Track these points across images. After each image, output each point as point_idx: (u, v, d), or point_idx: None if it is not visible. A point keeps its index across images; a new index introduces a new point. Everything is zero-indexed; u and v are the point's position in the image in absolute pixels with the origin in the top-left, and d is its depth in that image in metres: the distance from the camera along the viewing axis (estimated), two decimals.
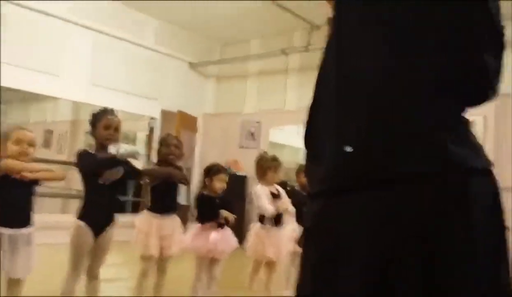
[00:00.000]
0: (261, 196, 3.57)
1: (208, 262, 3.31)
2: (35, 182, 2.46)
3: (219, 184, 3.37)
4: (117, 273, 3.56)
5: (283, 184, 3.84)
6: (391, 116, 0.84)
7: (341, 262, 0.83)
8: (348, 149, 0.84)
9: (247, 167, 7.83)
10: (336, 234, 0.84)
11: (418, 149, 0.82)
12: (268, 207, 3.53)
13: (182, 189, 7.76)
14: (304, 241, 0.93)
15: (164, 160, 3.21)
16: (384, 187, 0.81)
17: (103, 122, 2.73)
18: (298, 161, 7.75)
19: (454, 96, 0.86)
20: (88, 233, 2.64)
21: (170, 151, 3.19)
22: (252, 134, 8.39)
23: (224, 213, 3.26)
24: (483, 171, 0.84)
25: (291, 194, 3.79)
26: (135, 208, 7.88)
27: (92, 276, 2.75)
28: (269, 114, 8.11)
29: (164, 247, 3.08)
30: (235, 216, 3.34)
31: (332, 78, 0.90)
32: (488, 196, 0.82)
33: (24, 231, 2.35)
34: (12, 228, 2.31)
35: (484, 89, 0.89)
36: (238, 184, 7.21)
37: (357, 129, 0.85)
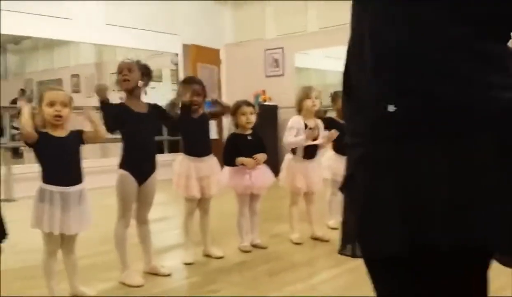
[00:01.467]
0: (289, 128, 3.59)
1: (248, 198, 3.43)
2: (82, 140, 2.51)
3: (245, 118, 3.38)
4: (164, 211, 3.73)
5: (319, 113, 3.80)
6: (438, 70, 0.82)
7: (386, 209, 0.85)
8: (391, 109, 0.84)
9: (275, 96, 7.81)
10: (379, 181, 0.86)
11: (469, 101, 0.81)
12: (289, 140, 3.55)
13: (212, 124, 7.86)
14: (346, 187, 0.95)
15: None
16: (443, 138, 0.82)
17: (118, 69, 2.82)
18: (325, 84, 7.71)
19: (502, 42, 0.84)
20: (131, 181, 2.75)
21: (191, 101, 3.16)
22: (276, 61, 8.25)
23: (258, 156, 3.29)
24: None
25: (328, 123, 3.76)
26: (173, 148, 8.06)
27: (142, 221, 2.90)
28: (292, 39, 7.91)
29: (204, 188, 3.18)
30: (265, 154, 3.37)
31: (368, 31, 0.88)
32: None
33: (75, 188, 2.42)
34: (63, 186, 2.39)
35: None
36: (269, 114, 7.21)
37: (401, 85, 0.84)
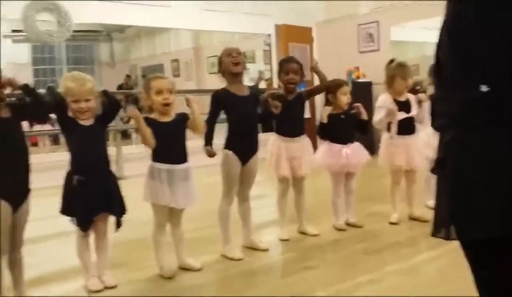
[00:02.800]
0: (377, 107, 3.50)
1: (343, 177, 3.43)
2: (186, 124, 2.66)
3: (344, 98, 3.36)
4: (261, 189, 3.86)
5: (414, 90, 3.66)
6: None
7: (479, 189, 0.84)
8: (484, 88, 0.82)
9: (370, 72, 7.60)
10: (474, 164, 0.85)
11: None
12: (374, 119, 3.46)
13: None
14: (438, 169, 0.95)
15: (285, 86, 3.24)
16: None
17: (226, 52, 2.88)
18: (424, 56, 7.34)
19: None
20: (236, 161, 2.88)
21: (289, 79, 3.20)
22: (371, 35, 8.01)
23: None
24: None
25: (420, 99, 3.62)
26: (268, 127, 8.18)
27: (243, 198, 3.03)
28: (387, 12, 7.61)
29: (296, 168, 3.22)
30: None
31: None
32: None
33: (180, 166, 2.59)
34: (169, 164, 2.57)
35: None
36: (362, 92, 7.02)
37: (495, 68, 0.82)
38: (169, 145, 2.59)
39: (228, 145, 2.89)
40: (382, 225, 3.52)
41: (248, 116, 2.92)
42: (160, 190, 2.55)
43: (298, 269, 2.72)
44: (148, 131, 2.50)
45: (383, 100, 3.49)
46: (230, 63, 2.85)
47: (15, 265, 2.28)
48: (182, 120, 2.65)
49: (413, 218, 3.58)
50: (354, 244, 3.14)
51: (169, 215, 2.66)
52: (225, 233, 2.94)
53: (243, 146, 2.91)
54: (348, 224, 3.47)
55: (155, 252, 2.67)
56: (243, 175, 2.94)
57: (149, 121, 2.55)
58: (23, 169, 2.20)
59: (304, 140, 3.27)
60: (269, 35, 8.23)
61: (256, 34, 8.50)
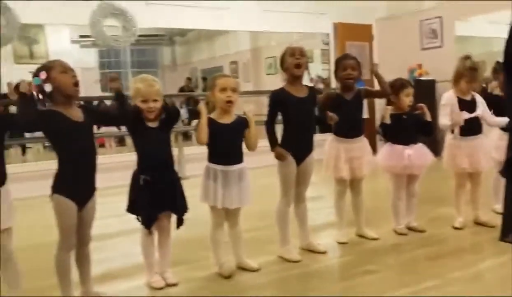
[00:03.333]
0: (442, 105, 3.36)
1: (405, 179, 3.32)
2: (245, 128, 2.69)
3: (406, 99, 3.26)
4: (318, 191, 3.83)
5: (482, 90, 3.49)
6: None
7: None
8: None
9: (433, 69, 7.33)
10: None
11: None
12: (440, 123, 3.32)
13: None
14: (507, 172, 0.90)
15: (342, 83, 3.18)
16: None
17: (289, 51, 2.85)
18: (491, 52, 6.97)
19: None
20: (292, 161, 2.87)
21: (347, 75, 3.12)
22: (434, 31, 7.71)
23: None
24: None
25: (488, 98, 3.45)
26: (325, 127, 8.10)
27: (300, 199, 3.01)
28: (451, 6, 7.29)
29: (355, 169, 3.16)
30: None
31: None
32: None
33: (235, 167, 2.63)
34: (224, 165, 2.62)
35: None
36: (425, 90, 6.77)
37: None
38: (225, 147, 2.64)
39: (284, 145, 2.88)
40: (446, 230, 3.38)
41: (305, 117, 2.90)
42: (214, 191, 2.60)
43: (357, 273, 2.67)
44: (204, 128, 2.56)
45: (447, 98, 3.36)
46: (292, 65, 2.82)
47: (83, 261, 2.40)
48: (242, 125, 2.69)
49: (478, 223, 3.42)
50: (415, 249, 3.04)
51: (226, 215, 2.71)
52: (283, 234, 2.95)
53: (298, 146, 2.89)
54: (409, 228, 3.37)
55: (214, 251, 2.72)
56: (299, 175, 2.92)
57: (210, 121, 2.61)
58: (91, 169, 2.32)
59: (362, 141, 3.20)
60: (327, 34, 8.13)
61: (314, 34, 8.44)
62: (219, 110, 2.66)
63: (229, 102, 2.62)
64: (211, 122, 2.61)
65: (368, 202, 3.46)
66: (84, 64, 12.27)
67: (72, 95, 2.24)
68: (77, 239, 2.31)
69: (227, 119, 2.66)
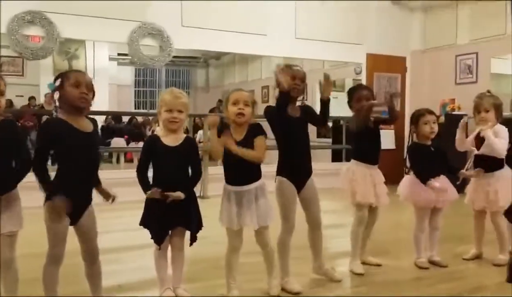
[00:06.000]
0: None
1: (429, 212, 3.23)
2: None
3: (428, 127, 3.20)
4: (330, 219, 3.72)
5: (507, 122, 3.38)
6: None
7: None
8: None
9: (466, 104, 7.19)
10: None
11: None
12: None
13: (390, 134, 7.61)
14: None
15: (357, 112, 3.12)
16: None
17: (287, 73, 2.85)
18: None
19: None
20: (290, 187, 2.77)
21: (360, 106, 3.07)
22: (469, 67, 7.60)
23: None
24: None
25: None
26: (336, 156, 8.09)
27: (314, 226, 2.91)
28: (488, 43, 7.19)
29: (378, 196, 3.10)
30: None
31: None
32: None
33: (249, 187, 2.54)
34: (237, 186, 2.54)
35: None
36: (457, 124, 6.61)
37: None
38: (237, 166, 2.54)
39: (281, 170, 2.82)
40: (470, 266, 3.27)
41: (300, 138, 2.83)
42: (228, 212, 2.55)
43: None
44: (215, 145, 2.54)
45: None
46: (234, 113, 2.58)
47: (94, 277, 2.37)
48: (252, 141, 2.57)
49: (496, 265, 3.24)
50: (437, 284, 2.93)
51: (255, 236, 2.63)
52: (284, 264, 2.78)
53: (296, 171, 2.80)
54: (431, 262, 3.26)
55: (226, 272, 2.65)
56: (304, 201, 2.85)
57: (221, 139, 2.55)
58: (88, 181, 2.28)
59: (378, 170, 3.18)
60: (359, 64, 8.12)
61: (347, 63, 8.44)
62: (232, 124, 2.59)
63: (240, 114, 2.54)
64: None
65: (389, 233, 3.38)
66: (120, 82, 12.65)
67: (79, 107, 2.23)
68: (83, 255, 2.30)
69: (238, 136, 2.57)
